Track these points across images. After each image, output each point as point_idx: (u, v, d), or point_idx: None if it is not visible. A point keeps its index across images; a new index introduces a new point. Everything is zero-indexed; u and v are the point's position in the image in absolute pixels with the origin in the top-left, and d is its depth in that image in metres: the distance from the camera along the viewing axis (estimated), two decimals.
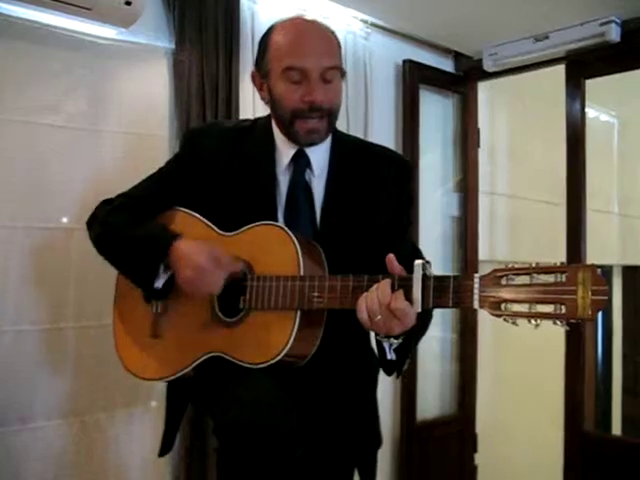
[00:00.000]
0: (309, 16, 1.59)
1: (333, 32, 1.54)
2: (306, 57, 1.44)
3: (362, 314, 1.30)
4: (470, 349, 3.36)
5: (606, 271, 3.62)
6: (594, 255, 3.00)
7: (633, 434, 3.57)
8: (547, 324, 1.19)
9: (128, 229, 1.53)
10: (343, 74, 1.52)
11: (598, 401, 3.30)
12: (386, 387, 1.51)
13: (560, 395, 2.92)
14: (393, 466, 3.05)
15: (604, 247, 3.66)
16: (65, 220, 2.13)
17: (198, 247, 1.43)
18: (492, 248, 3.54)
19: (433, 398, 3.31)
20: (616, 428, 3.60)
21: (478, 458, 3.35)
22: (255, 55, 1.58)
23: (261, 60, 1.52)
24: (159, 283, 1.46)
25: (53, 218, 2.12)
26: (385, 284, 1.29)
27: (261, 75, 1.53)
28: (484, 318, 1.26)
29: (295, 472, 1.34)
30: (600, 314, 1.31)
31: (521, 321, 1.20)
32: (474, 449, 3.34)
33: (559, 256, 2.95)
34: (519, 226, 3.65)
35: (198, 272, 1.40)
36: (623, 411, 3.65)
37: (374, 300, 1.28)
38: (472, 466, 3.33)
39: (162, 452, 1.64)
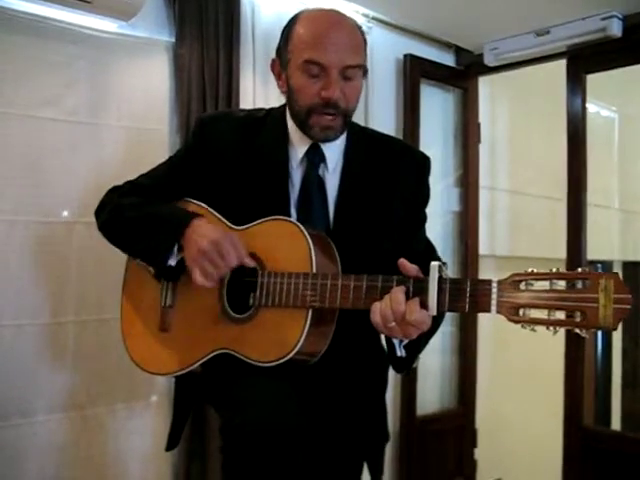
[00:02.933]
0: (336, 8, 1.54)
1: (360, 27, 1.49)
2: (328, 53, 1.39)
3: (376, 319, 1.27)
4: (470, 343, 3.36)
5: (606, 267, 3.62)
6: (594, 250, 3.00)
7: (633, 429, 3.58)
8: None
9: (142, 206, 1.50)
10: (365, 72, 1.48)
11: (598, 396, 3.30)
12: None
13: (560, 390, 2.92)
14: (392, 460, 3.05)
15: (604, 242, 3.66)
16: (65, 214, 2.13)
17: (216, 227, 1.41)
18: (492, 243, 3.54)
19: (433, 392, 3.31)
20: (616, 423, 3.61)
21: (478, 453, 3.35)
22: (277, 42, 1.52)
23: (283, 49, 1.48)
24: (173, 261, 1.43)
25: (53, 212, 2.11)
26: (398, 292, 1.25)
27: (281, 64, 1.49)
28: None
29: (301, 472, 1.33)
30: None
31: (539, 327, 1.15)
32: (474, 444, 3.34)
33: (559, 251, 2.95)
34: (519, 221, 3.65)
35: (212, 245, 1.36)
36: (623, 406, 3.65)
37: (388, 309, 1.25)
38: (472, 461, 3.33)
39: (169, 447, 1.62)
